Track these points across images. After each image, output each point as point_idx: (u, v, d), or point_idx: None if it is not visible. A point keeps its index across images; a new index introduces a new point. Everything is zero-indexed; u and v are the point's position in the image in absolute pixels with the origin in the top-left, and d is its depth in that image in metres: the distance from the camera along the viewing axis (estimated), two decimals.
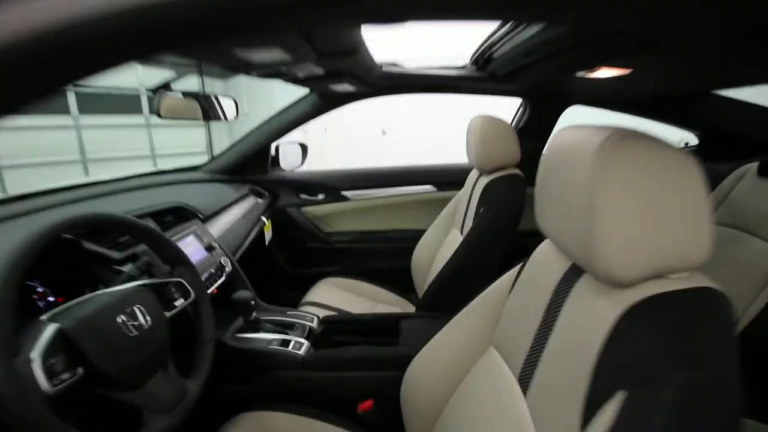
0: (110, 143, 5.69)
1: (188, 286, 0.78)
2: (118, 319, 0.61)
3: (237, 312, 1.10)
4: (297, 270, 1.88)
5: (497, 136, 1.21)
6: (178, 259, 0.80)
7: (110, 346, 0.57)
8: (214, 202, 1.35)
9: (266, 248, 1.74)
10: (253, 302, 1.06)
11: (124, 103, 5.72)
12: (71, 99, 5.47)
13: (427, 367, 0.83)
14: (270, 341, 1.03)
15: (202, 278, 1.02)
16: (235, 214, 1.43)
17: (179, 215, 1.16)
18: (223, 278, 1.11)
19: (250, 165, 1.75)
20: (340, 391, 1.00)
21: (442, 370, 0.79)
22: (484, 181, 1.25)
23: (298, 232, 1.84)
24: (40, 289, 0.69)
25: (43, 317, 0.55)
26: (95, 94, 5.70)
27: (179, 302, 0.76)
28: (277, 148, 1.84)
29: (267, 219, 1.68)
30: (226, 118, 1.22)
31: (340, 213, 1.84)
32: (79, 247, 0.80)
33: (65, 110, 5.28)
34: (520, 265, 0.71)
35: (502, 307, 0.73)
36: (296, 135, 1.94)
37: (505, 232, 1.16)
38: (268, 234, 1.68)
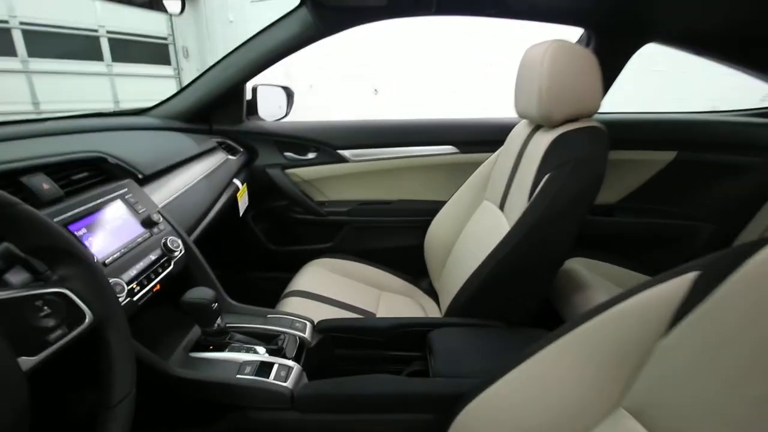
0: (67, 93, 5.02)
1: (76, 300, 0.41)
2: None
3: (193, 319, 0.74)
4: (281, 247, 1.52)
5: (577, 69, 0.84)
6: (55, 250, 0.42)
7: None
8: (161, 156, 0.94)
9: (241, 220, 1.35)
10: (215, 305, 0.70)
11: (81, 47, 5.07)
12: (17, 36, 4.79)
13: (500, 424, 0.51)
14: (240, 366, 0.68)
15: (137, 269, 0.66)
16: (194, 175, 1.03)
17: (101, 172, 0.76)
18: (170, 268, 0.74)
19: (219, 110, 1.33)
20: None
21: None
22: (548, 137, 0.89)
23: (282, 201, 1.45)
24: None
25: None
26: (47, 33, 5.00)
27: (58, 335, 0.39)
28: (254, 90, 1.42)
29: (241, 183, 1.29)
30: (166, 11, 0.80)
31: (335, 177, 1.45)
32: None
33: (10, 52, 4.62)
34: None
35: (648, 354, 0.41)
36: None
37: (581, 209, 0.82)
38: (242, 202, 1.29)
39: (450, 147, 1.42)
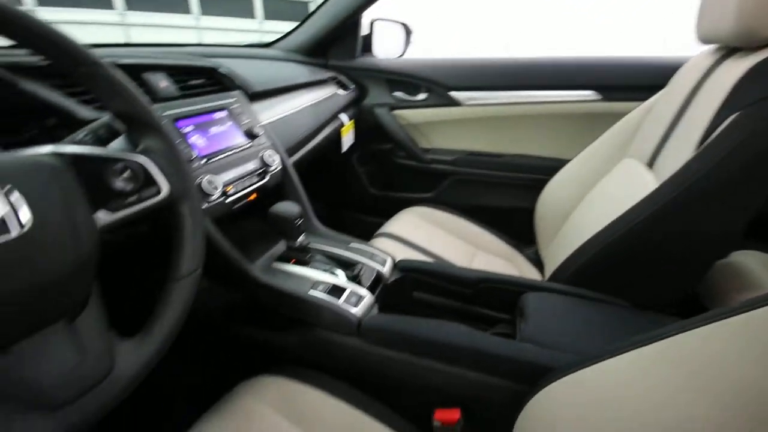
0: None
1: (153, 172, 0.42)
2: None
3: (278, 232, 0.76)
4: (381, 191, 1.49)
5: None
6: (137, 118, 0.43)
7: None
8: (271, 78, 0.97)
9: (343, 156, 1.36)
10: (299, 221, 0.70)
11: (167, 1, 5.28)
12: None
13: (595, 407, 0.38)
14: (315, 284, 0.67)
15: (233, 173, 0.68)
16: (302, 102, 1.04)
17: (215, 83, 0.80)
18: (266, 179, 0.75)
19: (335, 45, 1.32)
20: (410, 384, 0.62)
21: None
22: (743, 63, 0.63)
23: (387, 144, 1.41)
24: None
25: None
26: None
27: (135, 200, 0.40)
28: (371, 25, 1.36)
29: (349, 119, 1.28)
30: None
31: (444, 122, 1.34)
32: (12, 88, 0.48)
33: (108, 4, 5.07)
34: None
35: None
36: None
37: None
38: (347, 138, 1.29)
39: (590, 92, 1.16)
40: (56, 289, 0.32)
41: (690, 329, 0.33)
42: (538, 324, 0.60)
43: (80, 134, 0.45)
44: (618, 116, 0.99)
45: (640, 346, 0.37)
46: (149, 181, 0.42)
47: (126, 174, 0.40)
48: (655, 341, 0.36)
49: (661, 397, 0.34)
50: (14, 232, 0.29)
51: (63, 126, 0.51)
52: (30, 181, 0.32)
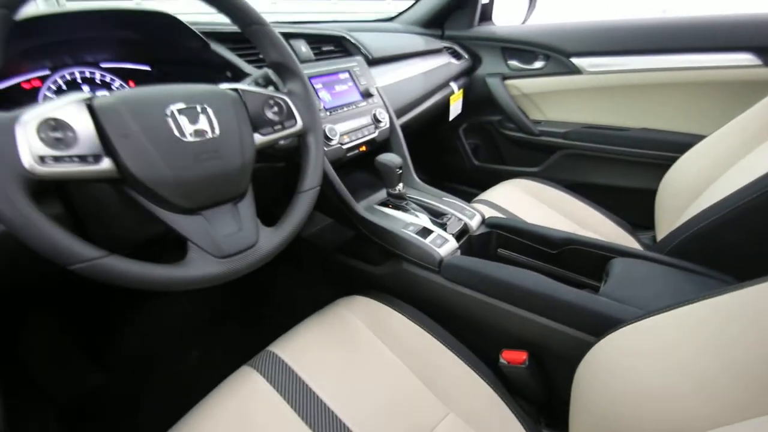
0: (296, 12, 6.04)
1: (293, 109, 0.56)
2: (168, 111, 0.43)
3: (380, 180, 0.87)
4: (485, 164, 1.51)
5: None
6: (286, 68, 0.57)
7: (145, 143, 0.41)
8: (389, 46, 1.07)
9: (449, 126, 1.41)
10: (400, 171, 0.79)
11: None
12: None
13: (655, 353, 0.40)
14: (406, 225, 0.76)
15: (349, 125, 0.81)
16: (415, 69, 1.12)
17: (343, 49, 0.94)
18: (375, 134, 0.87)
19: (452, 16, 1.35)
20: (481, 322, 0.68)
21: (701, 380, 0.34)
22: None
23: (496, 115, 1.41)
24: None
25: (87, 92, 0.41)
26: None
27: (279, 127, 0.55)
28: None
29: (458, 88, 1.32)
30: None
31: (560, 92, 1.27)
32: (207, 49, 0.67)
33: None
34: None
35: None
36: None
37: None
38: (455, 107, 1.33)
39: (747, 56, 0.98)
40: (230, 178, 0.47)
41: (743, 288, 0.33)
42: (618, 284, 0.59)
43: (247, 80, 0.61)
44: None
45: (698, 301, 0.37)
46: (290, 115, 0.56)
47: (275, 108, 0.54)
48: (712, 297, 0.35)
49: (711, 348, 0.34)
50: (211, 134, 0.45)
51: (235, 78, 0.69)
52: (219, 104, 0.47)
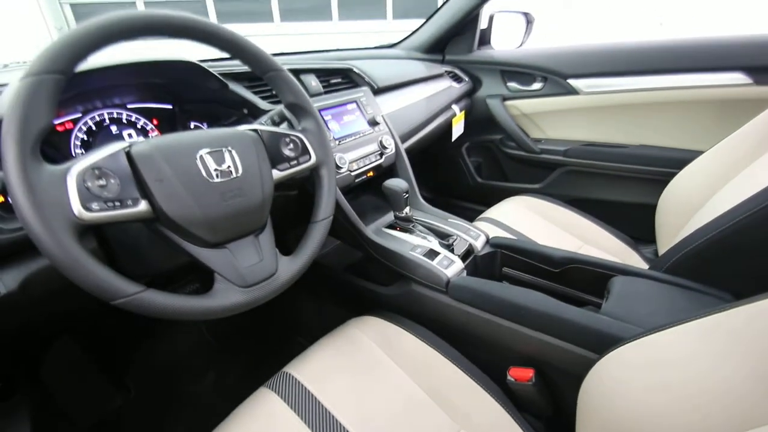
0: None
1: (308, 145, 0.60)
2: (197, 155, 0.48)
3: (387, 203, 0.91)
4: (488, 181, 1.55)
5: None
6: (301, 108, 0.61)
7: (178, 185, 0.45)
8: (393, 75, 1.12)
9: (452, 146, 1.46)
10: (406, 195, 0.83)
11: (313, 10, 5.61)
12: (275, 6, 5.71)
13: (654, 372, 0.43)
14: (414, 247, 0.80)
15: (357, 153, 0.86)
16: (418, 95, 1.18)
17: (350, 80, 0.99)
18: (381, 160, 0.91)
19: (452, 41, 1.41)
20: (488, 341, 0.71)
21: (692, 396, 0.37)
22: None
23: (497, 134, 1.45)
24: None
25: (125, 141, 0.46)
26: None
27: (295, 163, 0.59)
28: (490, 19, 1.42)
29: (460, 110, 1.37)
30: None
31: (558, 112, 1.32)
32: (225, 89, 0.72)
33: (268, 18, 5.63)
34: None
35: None
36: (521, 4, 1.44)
37: None
38: (457, 128, 1.38)
39: (738, 75, 1.02)
40: (252, 213, 0.51)
41: (743, 305, 0.36)
42: (618, 302, 0.62)
43: (263, 119, 0.66)
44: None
45: (700, 318, 0.40)
46: (305, 151, 0.60)
47: (291, 146, 0.59)
48: (711, 314, 0.38)
49: (709, 364, 0.37)
50: (235, 174, 0.49)
51: (251, 114, 0.74)
52: (242, 145, 0.52)
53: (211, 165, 0.48)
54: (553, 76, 1.29)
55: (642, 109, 1.18)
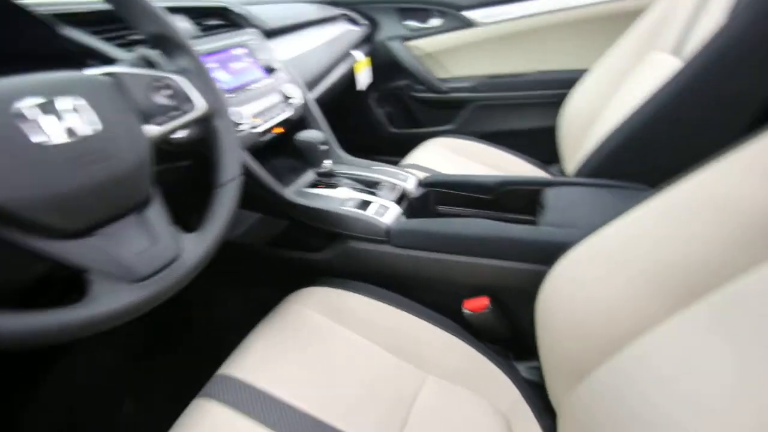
0: None
1: (188, 89, 0.47)
2: (12, 110, 0.32)
3: (304, 159, 0.80)
4: (402, 130, 1.50)
5: None
6: (170, 40, 0.47)
7: None
8: (282, 16, 0.98)
9: (360, 96, 1.37)
10: (323, 146, 0.74)
11: None
12: None
13: (603, 265, 0.42)
14: (344, 201, 0.72)
15: (257, 106, 0.72)
16: (316, 40, 1.05)
17: (231, 23, 0.83)
18: (289, 113, 0.79)
19: None
20: (438, 280, 0.68)
21: (643, 280, 0.37)
22: None
23: (404, 79, 1.40)
24: None
25: None
26: None
27: (177, 114, 0.46)
28: None
29: (364, 55, 1.27)
30: None
31: (460, 48, 1.30)
32: (54, 33, 0.53)
33: None
34: None
35: None
36: None
37: None
38: (362, 76, 1.29)
39: None
40: (125, 182, 0.38)
41: (665, 192, 0.36)
42: (555, 211, 0.63)
43: (121, 64, 0.50)
44: (637, 13, 0.93)
45: (632, 212, 0.40)
46: (186, 98, 0.47)
47: (166, 91, 0.45)
48: (645, 202, 0.38)
49: (652, 249, 0.37)
50: (89, 131, 0.35)
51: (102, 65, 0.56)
52: (94, 93, 0.37)
53: (46, 123, 0.34)
54: (448, 9, 1.26)
55: (534, 35, 1.21)
